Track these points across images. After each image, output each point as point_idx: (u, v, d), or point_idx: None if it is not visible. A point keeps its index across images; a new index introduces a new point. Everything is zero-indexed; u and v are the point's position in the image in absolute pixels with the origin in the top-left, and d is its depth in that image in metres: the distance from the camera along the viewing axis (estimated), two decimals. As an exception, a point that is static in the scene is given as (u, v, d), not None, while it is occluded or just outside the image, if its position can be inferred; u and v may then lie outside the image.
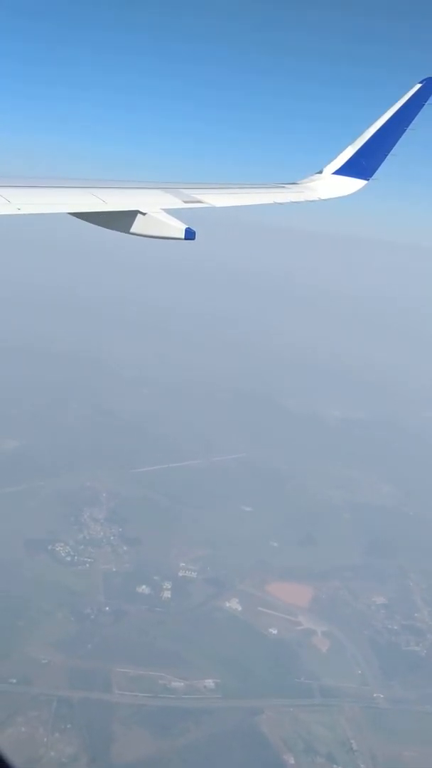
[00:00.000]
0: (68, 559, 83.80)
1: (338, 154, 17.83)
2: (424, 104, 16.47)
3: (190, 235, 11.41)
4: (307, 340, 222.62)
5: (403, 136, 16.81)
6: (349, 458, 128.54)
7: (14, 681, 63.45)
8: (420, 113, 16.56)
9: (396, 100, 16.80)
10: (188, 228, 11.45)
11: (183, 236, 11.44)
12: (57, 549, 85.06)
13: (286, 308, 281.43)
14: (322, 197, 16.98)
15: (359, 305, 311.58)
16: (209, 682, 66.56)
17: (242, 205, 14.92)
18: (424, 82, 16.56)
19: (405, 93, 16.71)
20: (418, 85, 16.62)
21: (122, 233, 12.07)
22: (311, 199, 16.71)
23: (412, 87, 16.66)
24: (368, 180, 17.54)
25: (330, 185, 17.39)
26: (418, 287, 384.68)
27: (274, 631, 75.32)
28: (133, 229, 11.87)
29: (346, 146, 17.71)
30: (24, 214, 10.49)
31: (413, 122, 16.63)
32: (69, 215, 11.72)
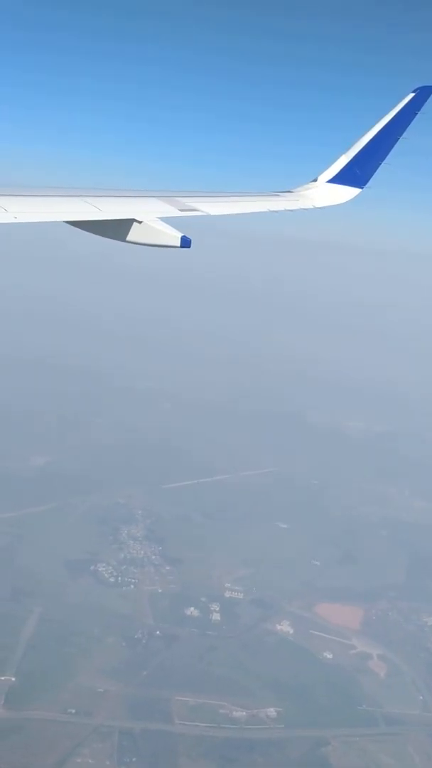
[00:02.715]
0: (112, 580, 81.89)
1: (332, 162, 17.80)
2: (417, 113, 16.43)
3: (185, 243, 11.39)
4: (313, 351, 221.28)
5: (397, 145, 16.79)
6: (377, 472, 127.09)
7: (73, 711, 61.47)
8: (413, 122, 16.55)
9: (389, 109, 16.74)
10: (184, 236, 11.42)
11: (179, 244, 11.42)
12: (100, 569, 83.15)
13: (289, 319, 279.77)
14: (317, 205, 17.02)
15: (360, 315, 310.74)
16: (271, 711, 64.69)
17: (237, 213, 15.00)
18: (417, 91, 16.47)
19: (398, 102, 16.65)
20: (411, 94, 16.54)
21: (118, 241, 12.08)
22: (306, 207, 16.75)
23: (405, 96, 16.61)
24: (362, 188, 17.52)
25: (324, 193, 17.42)
26: (417, 296, 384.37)
27: (329, 656, 73.55)
28: (129, 238, 11.87)
29: (341, 155, 17.70)
30: (21, 223, 10.48)
31: (406, 131, 16.63)
32: (65, 224, 11.67)
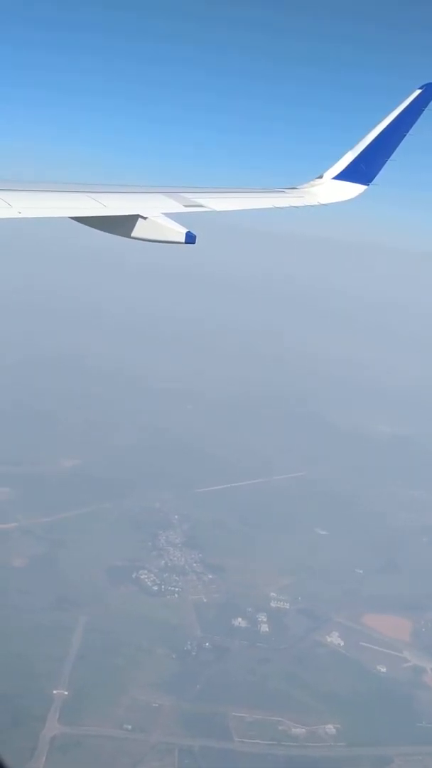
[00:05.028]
0: (155, 588, 79.96)
1: (338, 159, 17.70)
2: (423, 110, 16.35)
3: (190, 239, 11.35)
4: (327, 350, 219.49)
5: (403, 142, 16.68)
6: (406, 476, 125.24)
7: (129, 728, 59.63)
8: (420, 119, 16.45)
9: (396, 106, 16.60)
10: (189, 232, 11.37)
11: (183, 240, 11.37)
12: (142, 577, 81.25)
13: (298, 315, 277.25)
14: (322, 202, 16.95)
15: (370, 312, 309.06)
16: (330, 728, 62.78)
17: (242, 209, 15.04)
18: (424, 87, 16.36)
19: (405, 99, 16.52)
20: (418, 91, 16.39)
21: (123, 237, 12.03)
22: (311, 203, 16.67)
23: (411, 93, 16.46)
24: (368, 185, 17.44)
25: (330, 190, 17.34)
26: (425, 294, 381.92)
27: (383, 669, 71.68)
28: (133, 234, 11.83)
29: (347, 151, 17.56)
30: (25, 218, 10.47)
31: (413, 128, 16.54)
32: (70, 219, 11.65)
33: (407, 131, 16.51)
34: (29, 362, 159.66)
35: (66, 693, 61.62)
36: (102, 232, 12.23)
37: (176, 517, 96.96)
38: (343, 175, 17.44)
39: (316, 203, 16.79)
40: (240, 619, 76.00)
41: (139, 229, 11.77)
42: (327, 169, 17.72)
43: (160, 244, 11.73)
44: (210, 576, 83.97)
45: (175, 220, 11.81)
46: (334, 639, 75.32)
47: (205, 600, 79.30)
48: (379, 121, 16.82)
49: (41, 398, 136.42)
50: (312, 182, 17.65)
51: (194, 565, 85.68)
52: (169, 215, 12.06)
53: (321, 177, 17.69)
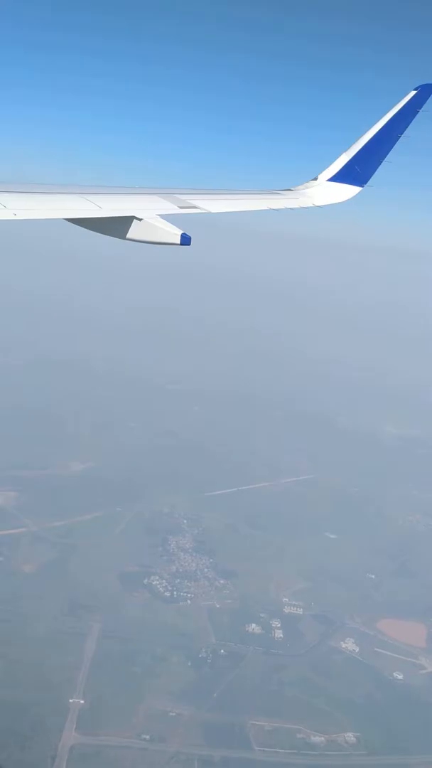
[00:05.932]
0: (167, 594, 79.20)
1: (333, 161, 17.72)
2: (418, 111, 16.34)
3: (185, 240, 11.31)
4: (327, 350, 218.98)
5: (398, 143, 16.67)
6: (414, 479, 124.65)
7: (148, 737, 58.81)
8: (414, 120, 16.46)
9: (391, 107, 16.66)
10: (184, 233, 11.34)
11: (179, 242, 11.32)
12: (153, 583, 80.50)
13: (299, 316, 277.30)
14: (317, 204, 17.00)
15: (371, 312, 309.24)
16: (349, 736, 62.08)
17: (238, 210, 15.02)
18: (419, 89, 16.38)
19: (399, 100, 16.57)
20: (413, 92, 16.42)
21: (118, 239, 11.95)
22: (306, 205, 16.73)
23: (406, 94, 16.50)
24: (363, 186, 17.47)
25: (325, 192, 17.38)
26: (422, 294, 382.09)
27: (400, 676, 70.94)
28: (129, 235, 11.76)
29: (341, 153, 17.60)
30: (20, 220, 10.34)
31: (408, 129, 16.54)
32: (65, 221, 11.54)
33: (402, 132, 16.46)
34: (31, 363, 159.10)
35: (82, 702, 60.83)
36: (98, 234, 12.14)
37: (185, 521, 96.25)
38: (338, 177, 17.44)
39: (311, 205, 16.80)
40: (254, 626, 75.30)
41: (135, 231, 11.69)
42: (322, 170, 17.74)
43: (156, 245, 11.64)
44: (222, 581, 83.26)
45: (170, 222, 11.72)
46: (349, 645, 74.64)
47: (217, 606, 78.54)
48: (374, 123, 16.79)
49: (46, 400, 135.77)
50: (307, 184, 17.64)
51: (205, 570, 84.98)
52: (165, 217, 11.97)
53: (316, 179, 17.66)
